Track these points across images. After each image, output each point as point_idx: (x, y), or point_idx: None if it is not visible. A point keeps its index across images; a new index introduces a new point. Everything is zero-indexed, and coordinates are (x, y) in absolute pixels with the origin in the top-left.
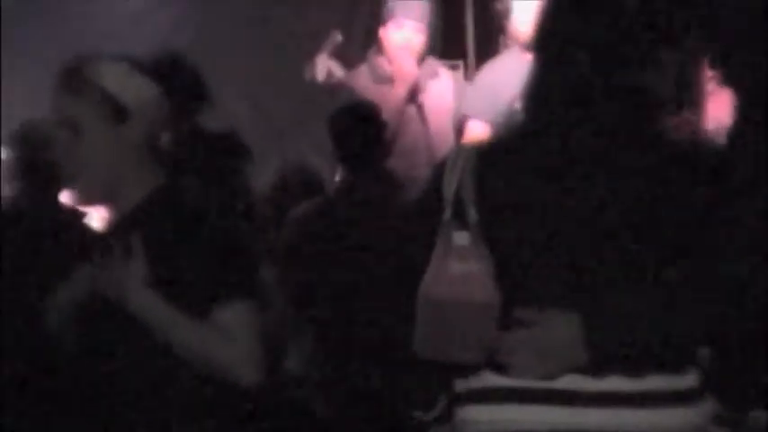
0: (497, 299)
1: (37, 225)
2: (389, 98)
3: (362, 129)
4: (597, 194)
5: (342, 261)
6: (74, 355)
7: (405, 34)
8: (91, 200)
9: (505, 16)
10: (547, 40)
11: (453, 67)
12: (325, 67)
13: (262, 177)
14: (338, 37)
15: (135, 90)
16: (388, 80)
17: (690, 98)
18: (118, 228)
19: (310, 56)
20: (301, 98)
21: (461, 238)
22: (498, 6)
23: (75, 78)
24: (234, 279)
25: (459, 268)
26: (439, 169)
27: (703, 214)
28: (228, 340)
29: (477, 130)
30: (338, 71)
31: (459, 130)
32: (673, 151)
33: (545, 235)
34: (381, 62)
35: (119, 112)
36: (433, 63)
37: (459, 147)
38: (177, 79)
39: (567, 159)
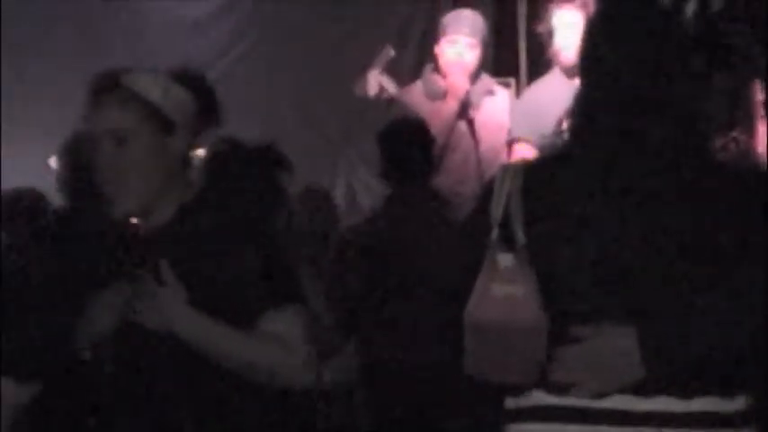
0: (542, 321)
1: (88, 236)
2: (441, 113)
3: (412, 144)
4: (645, 213)
5: (389, 275)
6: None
7: (458, 49)
8: (130, 211)
9: (548, 39)
10: (593, 60)
11: (505, 85)
12: (376, 81)
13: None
14: (390, 52)
15: (177, 102)
16: (442, 96)
17: (741, 118)
18: (154, 241)
19: (363, 70)
20: (353, 112)
21: (506, 260)
22: (541, 29)
23: (118, 90)
24: (277, 285)
25: (503, 291)
26: (487, 189)
27: (752, 233)
28: (283, 346)
29: (524, 153)
30: (390, 86)
31: (509, 151)
32: (722, 170)
33: (594, 254)
34: (436, 78)
35: (166, 125)
36: (489, 80)
37: (505, 167)
38: (201, 94)
39: (614, 178)
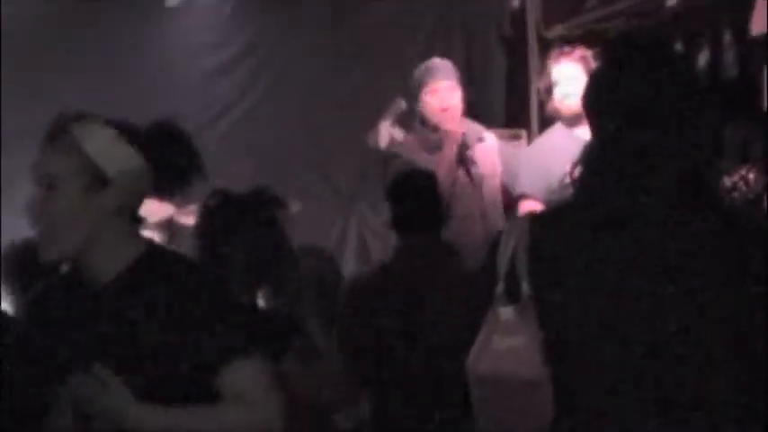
0: (544, 374)
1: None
2: (443, 162)
3: (421, 196)
4: (652, 262)
5: (397, 326)
6: None
7: (442, 96)
8: (54, 259)
9: (547, 95)
10: (598, 110)
11: (515, 137)
12: (387, 133)
13: (326, 237)
14: (402, 104)
15: (118, 160)
16: (437, 148)
17: (749, 158)
18: (100, 296)
19: (374, 122)
20: (365, 163)
21: (506, 313)
22: (541, 85)
23: (61, 137)
24: (234, 337)
25: (504, 343)
26: (495, 243)
27: (759, 286)
28: (245, 405)
29: (531, 209)
30: (401, 138)
31: (511, 205)
32: (731, 219)
33: (601, 304)
34: (428, 132)
35: (97, 180)
36: (475, 125)
37: (512, 220)
38: (168, 150)
39: (620, 228)
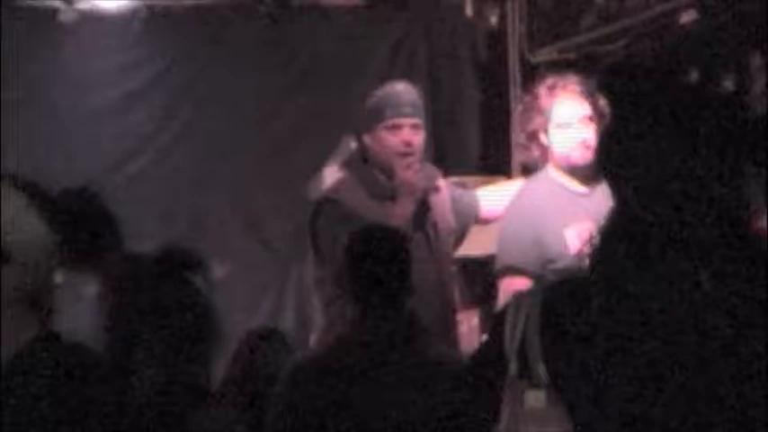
0: None
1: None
2: (394, 218)
3: (388, 258)
4: (688, 341)
5: (350, 412)
6: None
7: (403, 136)
8: None
9: (535, 138)
10: (616, 173)
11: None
12: (332, 181)
13: (263, 307)
14: (351, 144)
15: (21, 234)
16: (388, 198)
17: None
18: None
19: (318, 166)
20: (305, 215)
21: (536, 398)
22: (534, 126)
23: None
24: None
25: None
26: (498, 320)
27: None
28: None
29: (519, 285)
30: (338, 177)
31: (493, 281)
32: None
33: (632, 390)
34: (378, 175)
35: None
36: (433, 170)
37: (519, 295)
38: (82, 220)
39: (652, 306)
